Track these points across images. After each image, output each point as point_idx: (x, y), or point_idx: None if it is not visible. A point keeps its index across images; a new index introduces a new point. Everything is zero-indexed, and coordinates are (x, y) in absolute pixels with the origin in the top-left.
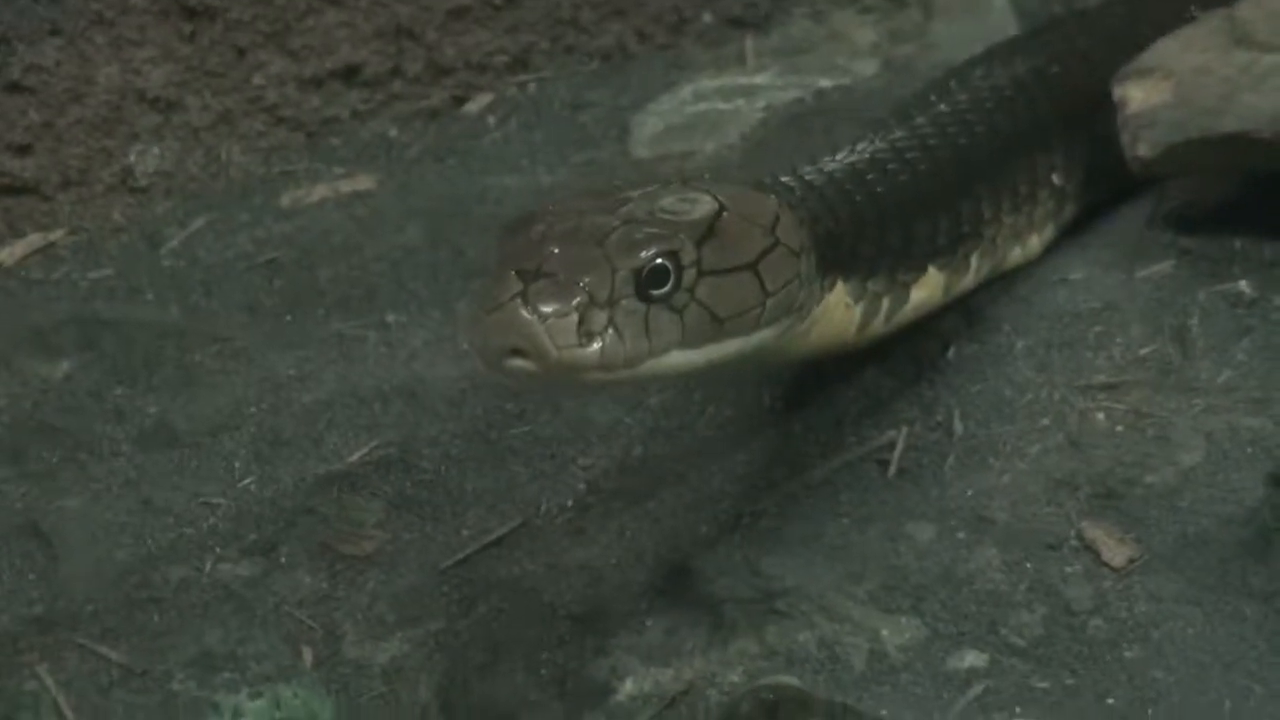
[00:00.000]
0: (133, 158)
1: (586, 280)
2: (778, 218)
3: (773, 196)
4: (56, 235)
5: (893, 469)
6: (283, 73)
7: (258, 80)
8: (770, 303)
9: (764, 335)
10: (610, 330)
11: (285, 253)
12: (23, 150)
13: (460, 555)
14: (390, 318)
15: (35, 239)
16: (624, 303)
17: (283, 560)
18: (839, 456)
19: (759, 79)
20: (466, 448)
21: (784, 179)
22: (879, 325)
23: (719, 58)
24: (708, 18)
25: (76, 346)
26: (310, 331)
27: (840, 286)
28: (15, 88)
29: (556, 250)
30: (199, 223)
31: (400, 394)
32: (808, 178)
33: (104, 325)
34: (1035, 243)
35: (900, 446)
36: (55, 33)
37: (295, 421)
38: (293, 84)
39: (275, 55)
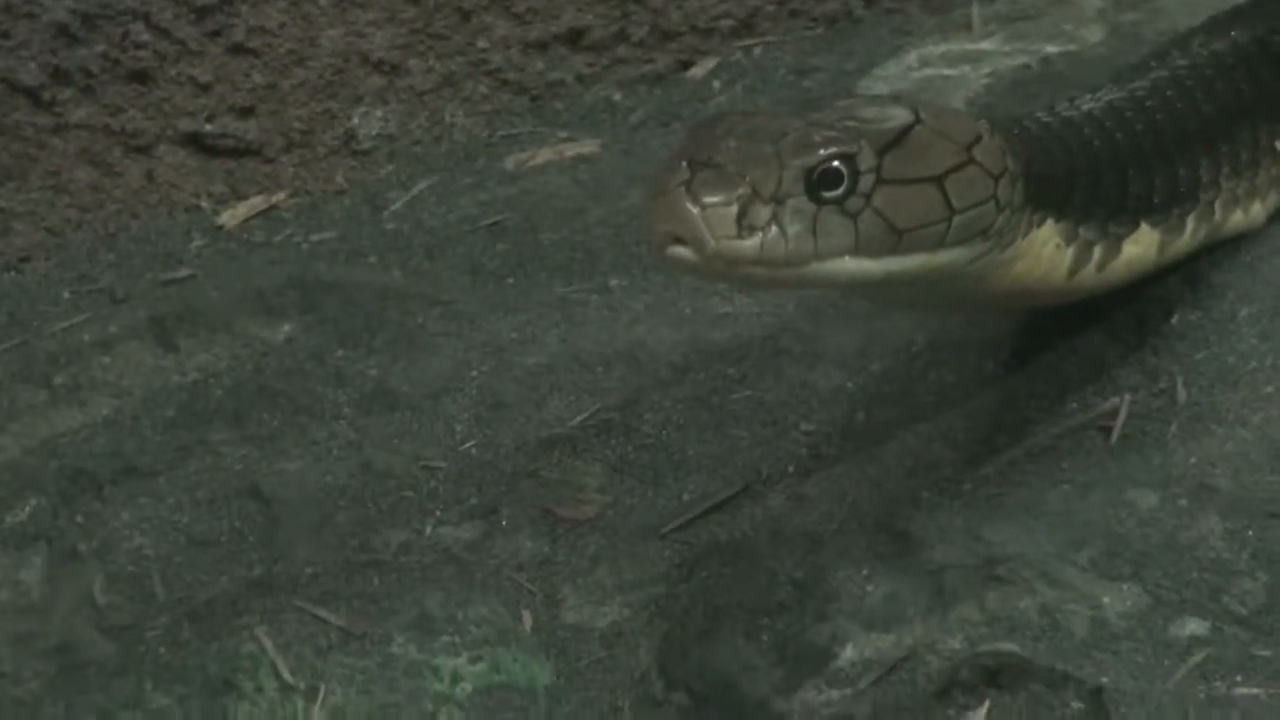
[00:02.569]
0: (356, 120)
1: (753, 174)
2: (979, 138)
3: (983, 120)
4: (279, 198)
5: (1115, 436)
6: (507, 36)
7: (482, 44)
8: (958, 220)
9: (953, 255)
10: (773, 226)
11: (508, 216)
12: (246, 112)
13: (681, 520)
14: (613, 282)
15: (258, 201)
16: (792, 201)
17: (503, 524)
18: (1061, 423)
19: (985, 45)
20: (688, 412)
21: (1002, 118)
22: (1090, 275)
23: (945, 24)
24: None
25: (298, 309)
26: (532, 295)
27: (1050, 224)
28: (239, 49)
29: (732, 144)
30: (421, 186)
31: (622, 358)
32: (1024, 120)
33: (326, 288)
34: (1259, 209)
35: (1123, 413)
36: None
37: (517, 385)
38: (517, 47)
39: (500, 18)
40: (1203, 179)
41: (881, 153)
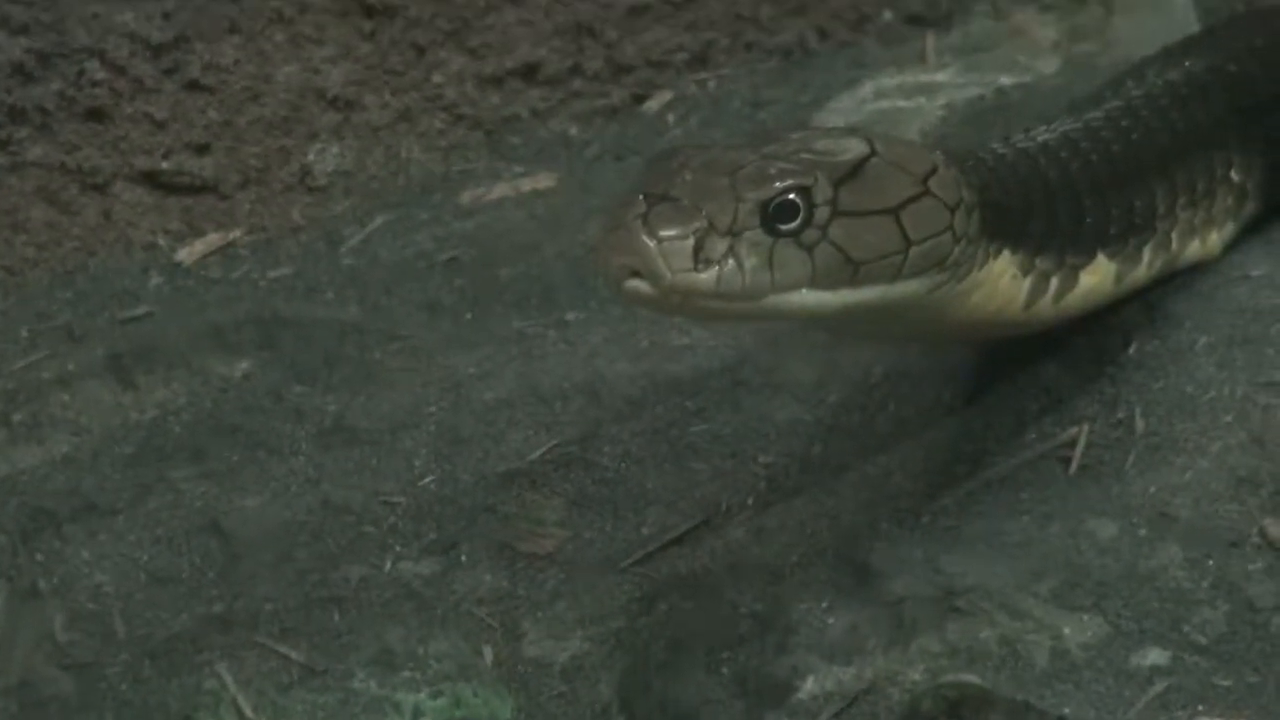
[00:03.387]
0: (311, 156)
1: (709, 207)
2: (934, 169)
3: (938, 152)
4: (236, 234)
5: (1074, 466)
6: (462, 71)
7: (437, 78)
8: (914, 252)
9: (910, 287)
10: (730, 259)
11: (465, 251)
12: (201, 149)
13: (641, 553)
14: (570, 315)
15: (214, 238)
16: (748, 234)
17: (463, 558)
18: (1020, 453)
19: (940, 76)
20: (647, 446)
21: (957, 149)
22: (1047, 306)
23: (900, 55)
24: (888, 15)
25: (256, 345)
26: (490, 329)
27: (1007, 255)
28: (195, 86)
29: (688, 177)
30: (378, 221)
31: (580, 392)
32: (979, 152)
33: (283, 324)
34: (1215, 239)
35: (1082, 443)
36: (234, 31)
37: (475, 420)
38: (472, 82)
39: (454, 53)
40: (1159, 209)
41: (837, 185)
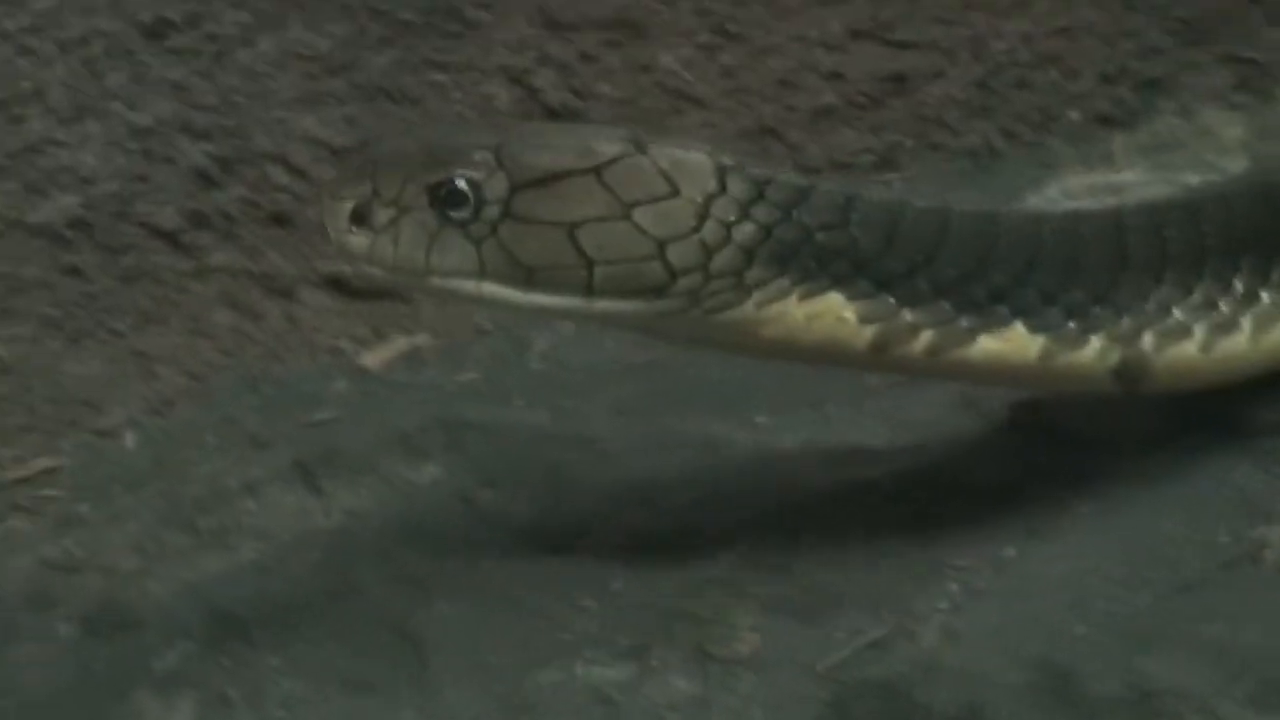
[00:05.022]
0: None
1: (381, 179)
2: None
3: (732, 178)
4: (421, 339)
5: (1269, 567)
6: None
7: None
8: (600, 272)
9: (624, 306)
10: (388, 233)
11: (655, 356)
12: None
13: (835, 657)
14: (760, 419)
15: (399, 343)
16: (415, 213)
17: (655, 663)
18: (1213, 555)
19: (1127, 176)
20: (840, 549)
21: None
22: (917, 358)
23: (1086, 155)
24: (1075, 115)
25: (443, 450)
26: (682, 433)
27: (833, 296)
28: None
29: (390, 151)
30: (566, 326)
31: (771, 495)
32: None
33: (470, 429)
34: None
35: (1276, 544)
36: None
37: (667, 523)
38: None
39: None
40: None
41: (516, 187)
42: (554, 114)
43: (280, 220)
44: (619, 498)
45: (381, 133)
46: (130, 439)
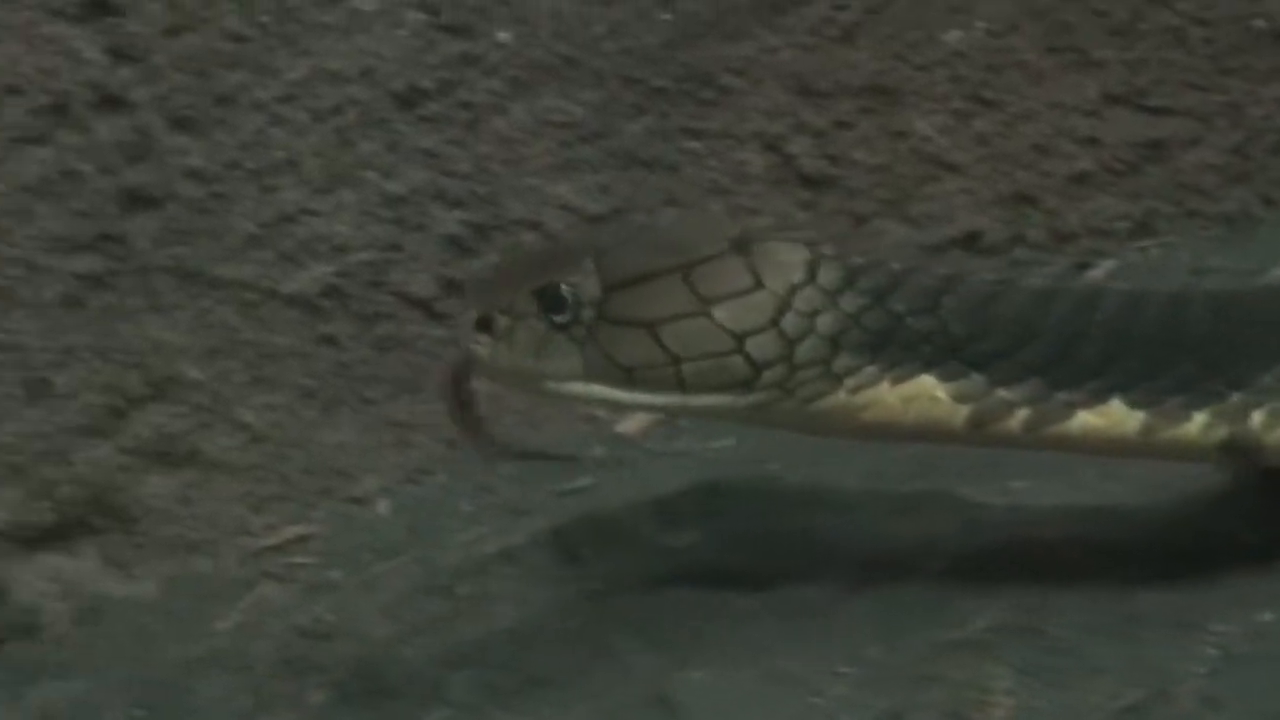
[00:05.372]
0: None
1: (502, 288)
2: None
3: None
4: None
5: None
6: (902, 240)
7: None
8: (688, 369)
9: (719, 400)
10: (505, 340)
11: None
12: None
13: None
14: (1015, 484)
15: None
16: (530, 319)
17: None
18: None
19: None
20: (1093, 613)
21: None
22: (1016, 432)
23: None
24: None
25: (699, 516)
26: (933, 498)
27: (925, 379)
28: None
29: (520, 256)
30: None
31: (1025, 560)
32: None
33: (726, 495)
34: None
35: None
36: (671, 202)
37: (920, 588)
38: (912, 249)
39: (894, 222)
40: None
41: (610, 289)
42: (809, 181)
43: None
44: (872, 562)
45: (635, 201)
46: (384, 507)
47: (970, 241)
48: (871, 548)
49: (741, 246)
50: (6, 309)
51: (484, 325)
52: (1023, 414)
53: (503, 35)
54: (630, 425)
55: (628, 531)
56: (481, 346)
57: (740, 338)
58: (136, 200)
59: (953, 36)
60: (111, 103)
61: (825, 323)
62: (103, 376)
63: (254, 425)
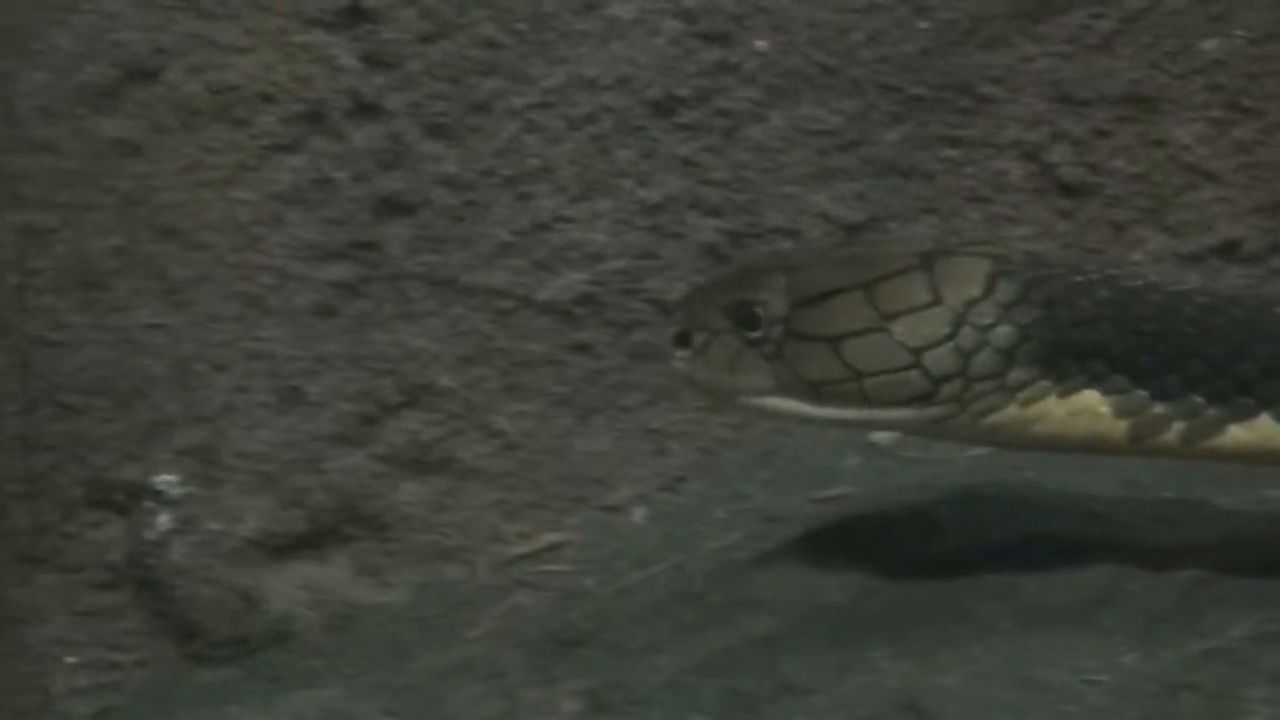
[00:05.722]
0: None
1: (699, 304)
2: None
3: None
4: None
5: None
6: (1160, 249)
7: (1137, 256)
8: (870, 384)
9: (902, 414)
10: (703, 355)
11: None
12: None
13: None
14: (1271, 493)
15: None
16: (725, 335)
17: None
18: None
19: None
20: None
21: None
22: (1173, 444)
23: None
24: None
25: (954, 524)
26: (1188, 506)
27: (1089, 394)
28: None
29: (721, 277)
30: None
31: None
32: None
33: (981, 502)
34: None
35: None
36: (929, 210)
37: (1175, 595)
38: (1171, 260)
39: (1153, 231)
40: None
41: (795, 305)
42: (1068, 189)
43: None
44: (1126, 571)
45: (892, 209)
46: (639, 514)
47: (1229, 250)
48: (1125, 555)
49: (927, 262)
50: (258, 317)
51: (682, 340)
52: (1179, 428)
53: (760, 43)
54: (883, 434)
55: (881, 539)
56: (680, 361)
57: (917, 352)
58: (390, 207)
59: (1211, 45)
60: (366, 110)
61: (1000, 336)
62: (355, 384)
63: (508, 433)
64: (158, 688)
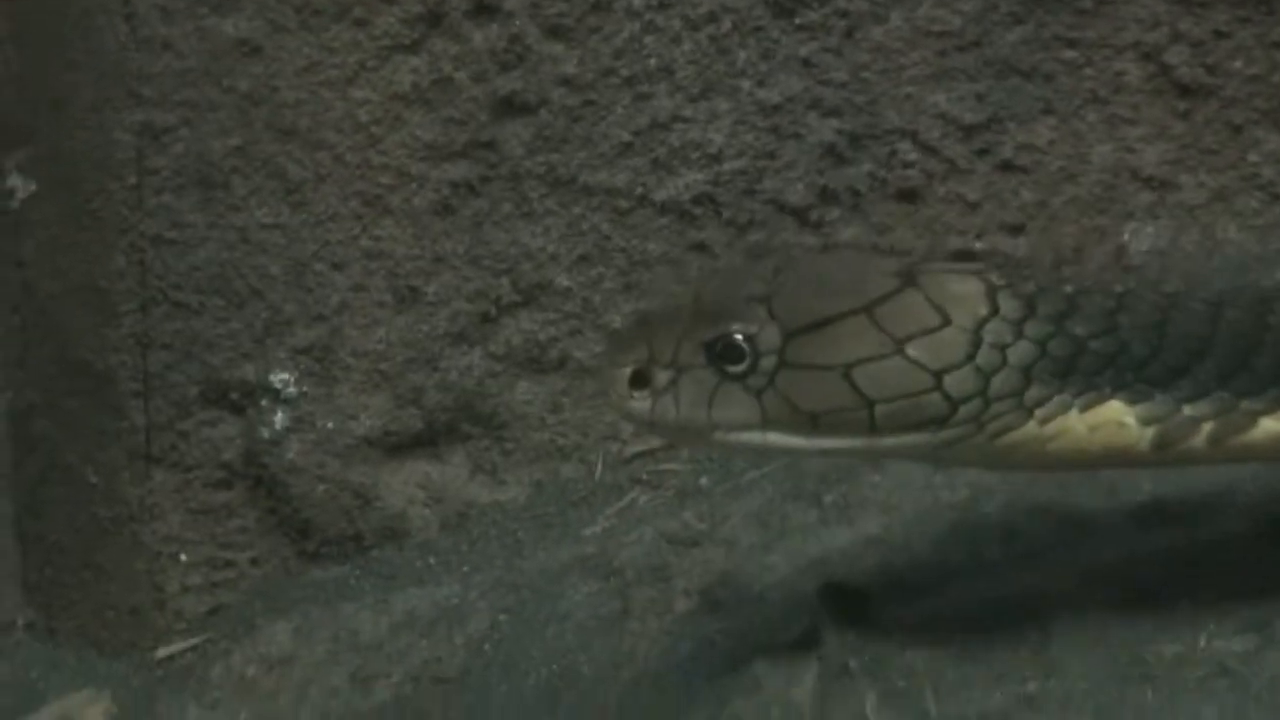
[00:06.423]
0: (1127, 236)
1: (657, 340)
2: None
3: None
4: None
5: None
6: (1277, 150)
7: (1253, 158)
8: (881, 411)
9: (912, 440)
10: (669, 393)
11: None
12: (1015, 229)
13: None
14: None
15: None
16: (694, 370)
17: (1277, 636)
18: None
19: None
20: None
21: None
22: (1200, 448)
23: None
24: None
25: None
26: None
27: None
28: (1007, 167)
29: (664, 308)
30: None
31: None
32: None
33: None
34: None
35: None
36: (1048, 112)
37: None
38: None
39: (1271, 132)
40: None
41: (789, 335)
42: (1186, 90)
43: (909, 196)
44: (1243, 476)
45: (1011, 109)
46: None
47: None
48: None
49: (910, 281)
50: (377, 217)
51: (639, 380)
52: (1208, 429)
53: None
54: None
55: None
56: (638, 401)
57: (938, 374)
58: (509, 107)
59: None
60: (486, 10)
61: (1016, 353)
62: (473, 284)
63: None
64: (271, 586)
